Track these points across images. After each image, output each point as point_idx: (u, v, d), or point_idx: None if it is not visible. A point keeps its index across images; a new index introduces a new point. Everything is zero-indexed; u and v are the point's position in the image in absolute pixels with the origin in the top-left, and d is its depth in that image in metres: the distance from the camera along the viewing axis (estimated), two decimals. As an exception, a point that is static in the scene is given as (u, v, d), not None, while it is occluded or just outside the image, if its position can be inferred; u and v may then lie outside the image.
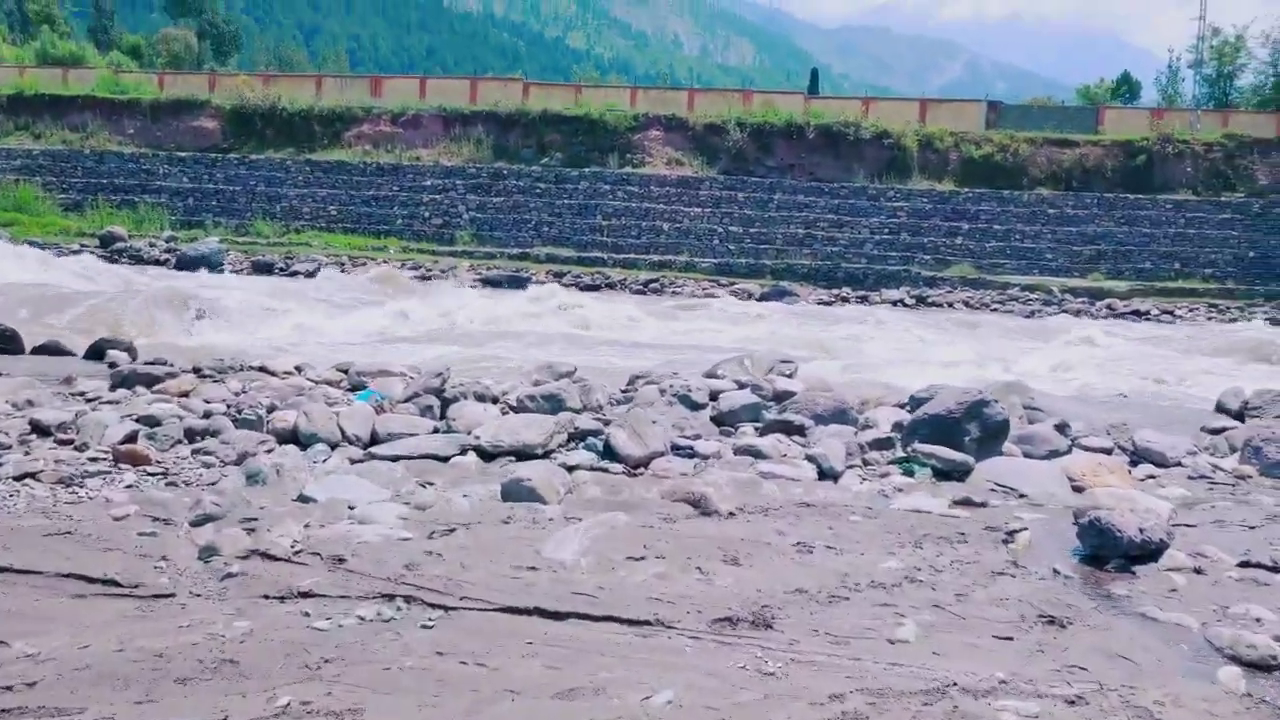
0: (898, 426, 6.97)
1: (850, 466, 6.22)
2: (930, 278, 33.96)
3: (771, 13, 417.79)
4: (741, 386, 8.16)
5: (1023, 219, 37.00)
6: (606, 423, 6.70)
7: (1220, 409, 9.94)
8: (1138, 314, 31.57)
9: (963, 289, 33.23)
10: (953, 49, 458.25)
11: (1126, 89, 54.93)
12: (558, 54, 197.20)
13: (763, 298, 29.33)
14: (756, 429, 7.00)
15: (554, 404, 7.17)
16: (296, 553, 4.21)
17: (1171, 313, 32.12)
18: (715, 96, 42.33)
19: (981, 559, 4.41)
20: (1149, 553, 4.45)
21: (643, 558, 4.24)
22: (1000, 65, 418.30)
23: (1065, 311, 30.80)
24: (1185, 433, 8.42)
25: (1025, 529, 4.85)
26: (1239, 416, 9.65)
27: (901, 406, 8.15)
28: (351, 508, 4.94)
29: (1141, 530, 4.44)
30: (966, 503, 5.51)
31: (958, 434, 6.28)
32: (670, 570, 4.11)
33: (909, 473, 6.09)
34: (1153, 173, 39.17)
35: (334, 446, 6.25)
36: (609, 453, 6.17)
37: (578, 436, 6.55)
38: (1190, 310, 32.61)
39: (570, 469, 5.93)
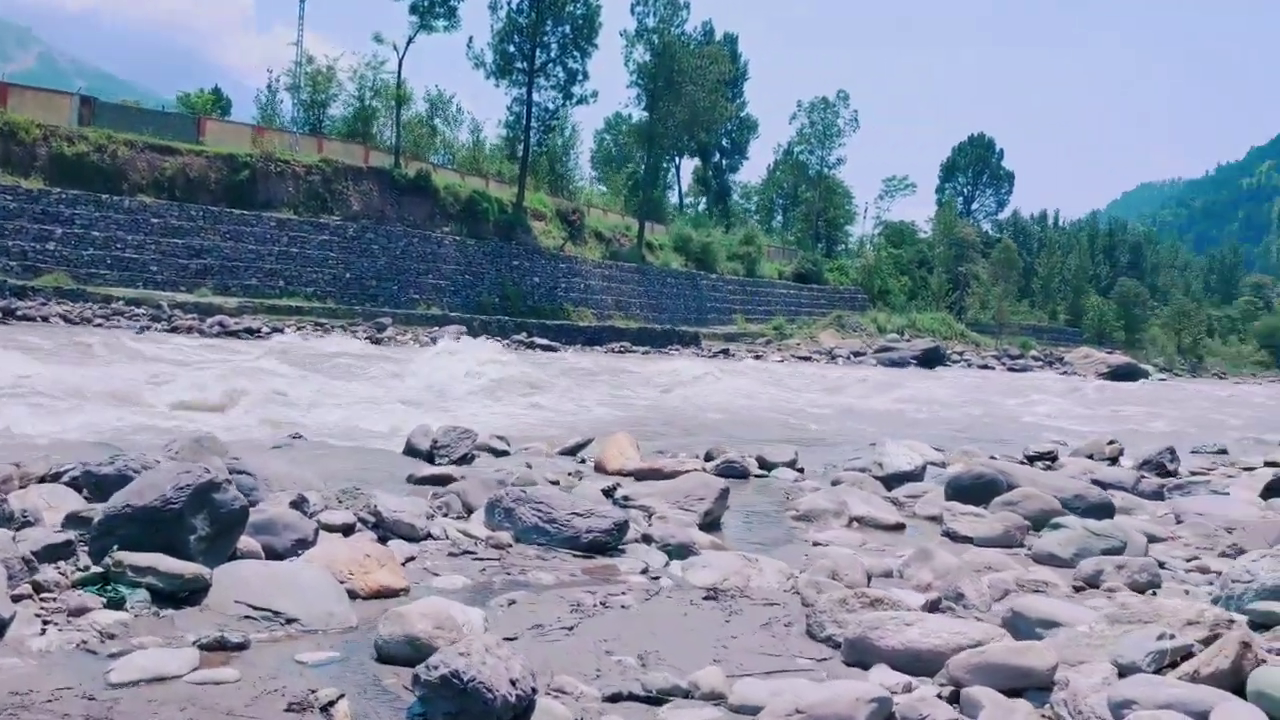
0: (76, 520, 4.86)
1: (21, 599, 4.03)
2: (19, 287, 29.48)
3: None
4: None
5: (125, 227, 34.19)
6: None
7: (411, 451, 9.34)
8: (250, 331, 30.99)
9: (60, 301, 29.40)
10: (26, 37, 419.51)
11: (219, 103, 54.52)
12: None
13: None
14: None
15: None
16: None
17: (282, 330, 32.18)
18: None
19: (314, 777, 2.80)
20: (523, 710, 3.27)
21: None
22: (79, 63, 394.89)
23: (178, 328, 28.94)
24: (397, 486, 7.54)
25: (340, 695, 3.33)
26: (429, 458, 9.12)
27: (57, 478, 5.94)
28: None
29: (514, 682, 3.23)
30: (220, 646, 3.78)
31: (180, 532, 4.45)
32: None
33: (116, 602, 4.10)
34: (256, 189, 39.19)
35: None
36: None
37: None
38: (299, 328, 33.04)
39: None
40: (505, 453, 10.00)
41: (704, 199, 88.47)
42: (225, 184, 38.34)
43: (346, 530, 5.56)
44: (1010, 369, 57.08)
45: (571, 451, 10.73)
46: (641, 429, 14.18)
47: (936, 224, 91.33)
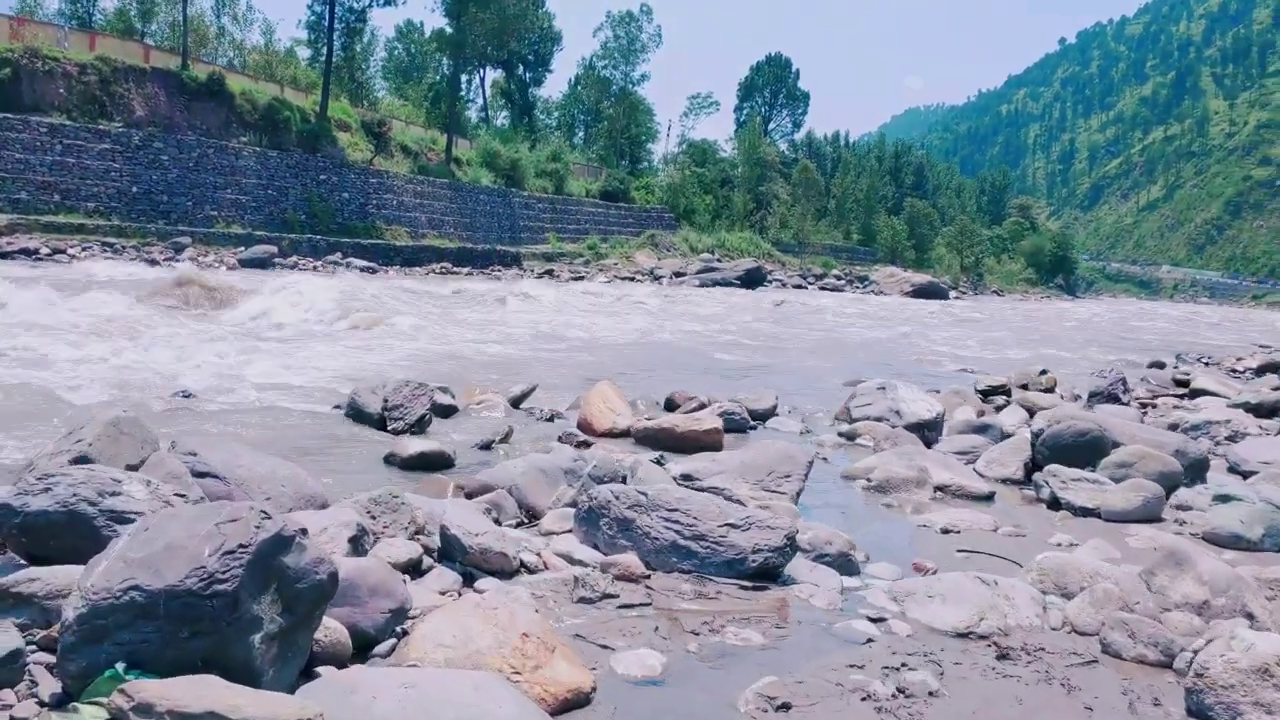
0: (12, 600, 2.81)
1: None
2: None
3: None
4: None
5: None
6: None
7: (357, 414, 7.28)
8: (28, 253, 26.90)
9: None
10: None
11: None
12: None
13: None
14: None
15: None
16: None
17: (64, 251, 28.14)
18: None
19: None
20: None
21: None
22: None
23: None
24: (373, 469, 5.62)
25: None
26: (380, 423, 7.13)
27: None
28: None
29: None
30: None
31: (237, 633, 2.51)
32: None
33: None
34: (21, 90, 34.17)
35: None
36: None
37: None
38: (85, 250, 29.01)
39: None
40: (453, 409, 8.08)
41: (507, 113, 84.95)
42: (-19, 83, 33.17)
43: (412, 569, 3.68)
44: (821, 288, 57.58)
45: (514, 403, 8.90)
46: (549, 370, 12.40)
47: (739, 143, 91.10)
